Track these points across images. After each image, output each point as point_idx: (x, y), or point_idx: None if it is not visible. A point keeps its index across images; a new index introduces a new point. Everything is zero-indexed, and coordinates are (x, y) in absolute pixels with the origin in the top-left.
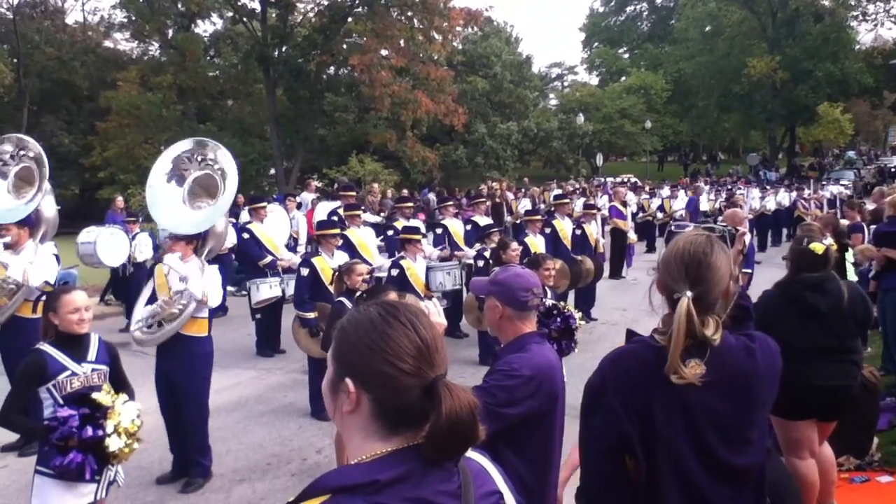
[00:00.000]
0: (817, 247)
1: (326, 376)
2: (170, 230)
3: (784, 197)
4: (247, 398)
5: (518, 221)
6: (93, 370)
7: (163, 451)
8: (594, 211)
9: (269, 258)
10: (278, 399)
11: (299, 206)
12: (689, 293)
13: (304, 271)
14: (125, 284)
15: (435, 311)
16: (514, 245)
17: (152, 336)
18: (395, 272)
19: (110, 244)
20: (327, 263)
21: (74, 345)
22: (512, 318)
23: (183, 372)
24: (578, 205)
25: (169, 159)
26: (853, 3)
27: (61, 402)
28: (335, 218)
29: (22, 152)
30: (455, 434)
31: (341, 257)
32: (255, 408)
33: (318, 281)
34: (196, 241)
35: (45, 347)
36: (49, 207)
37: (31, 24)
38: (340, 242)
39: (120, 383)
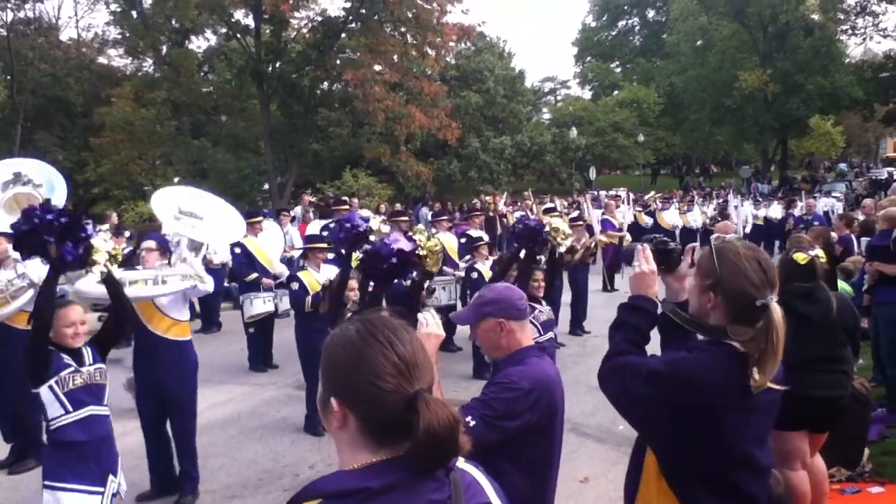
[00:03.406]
0: (800, 256)
1: (318, 394)
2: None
3: (776, 209)
4: (239, 413)
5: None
6: (95, 369)
7: None
8: (580, 223)
9: (253, 275)
10: (271, 414)
11: (293, 220)
12: (774, 297)
13: (295, 286)
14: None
15: (433, 323)
16: (537, 275)
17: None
18: None
19: None
20: (314, 277)
21: (70, 354)
22: (514, 331)
23: (174, 378)
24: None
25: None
26: (842, 18)
27: (64, 400)
28: (325, 233)
29: (28, 178)
30: (433, 448)
31: (329, 271)
32: (248, 423)
33: (307, 294)
34: (169, 255)
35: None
36: None
37: (25, 41)
38: (331, 257)
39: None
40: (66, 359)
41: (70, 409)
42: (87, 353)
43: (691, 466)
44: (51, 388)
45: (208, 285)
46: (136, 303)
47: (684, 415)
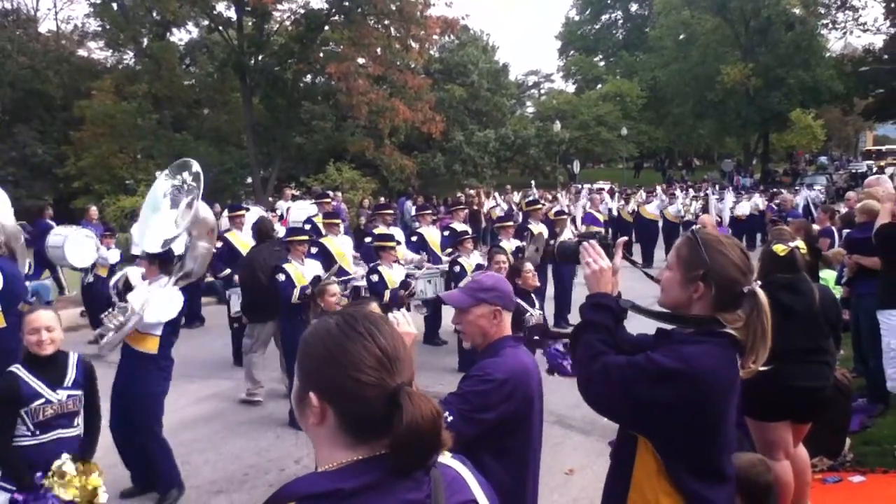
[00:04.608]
0: (780, 248)
1: (294, 389)
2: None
3: (757, 202)
4: (224, 408)
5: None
6: (68, 397)
7: None
8: (564, 217)
9: (226, 271)
10: (256, 409)
11: (281, 217)
12: (758, 283)
13: (282, 277)
14: (87, 294)
15: (403, 321)
16: (528, 266)
17: (102, 346)
18: (374, 277)
19: (80, 245)
20: (299, 270)
21: (49, 368)
22: (504, 320)
23: (131, 387)
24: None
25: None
26: (823, 12)
27: (32, 427)
28: (308, 226)
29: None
30: (416, 443)
31: (312, 265)
32: (233, 418)
33: (294, 286)
34: (158, 262)
35: (19, 371)
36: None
37: (3, 34)
38: (315, 251)
39: (90, 408)
40: (38, 386)
41: (37, 433)
42: (71, 370)
43: (696, 460)
44: (20, 414)
45: (151, 315)
46: None
47: (693, 409)
